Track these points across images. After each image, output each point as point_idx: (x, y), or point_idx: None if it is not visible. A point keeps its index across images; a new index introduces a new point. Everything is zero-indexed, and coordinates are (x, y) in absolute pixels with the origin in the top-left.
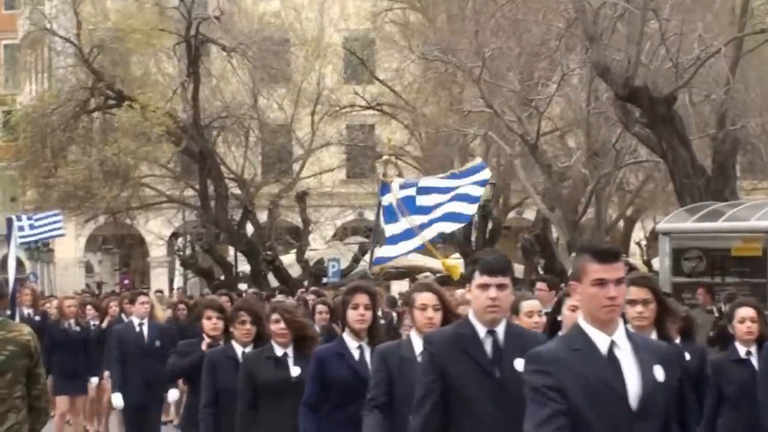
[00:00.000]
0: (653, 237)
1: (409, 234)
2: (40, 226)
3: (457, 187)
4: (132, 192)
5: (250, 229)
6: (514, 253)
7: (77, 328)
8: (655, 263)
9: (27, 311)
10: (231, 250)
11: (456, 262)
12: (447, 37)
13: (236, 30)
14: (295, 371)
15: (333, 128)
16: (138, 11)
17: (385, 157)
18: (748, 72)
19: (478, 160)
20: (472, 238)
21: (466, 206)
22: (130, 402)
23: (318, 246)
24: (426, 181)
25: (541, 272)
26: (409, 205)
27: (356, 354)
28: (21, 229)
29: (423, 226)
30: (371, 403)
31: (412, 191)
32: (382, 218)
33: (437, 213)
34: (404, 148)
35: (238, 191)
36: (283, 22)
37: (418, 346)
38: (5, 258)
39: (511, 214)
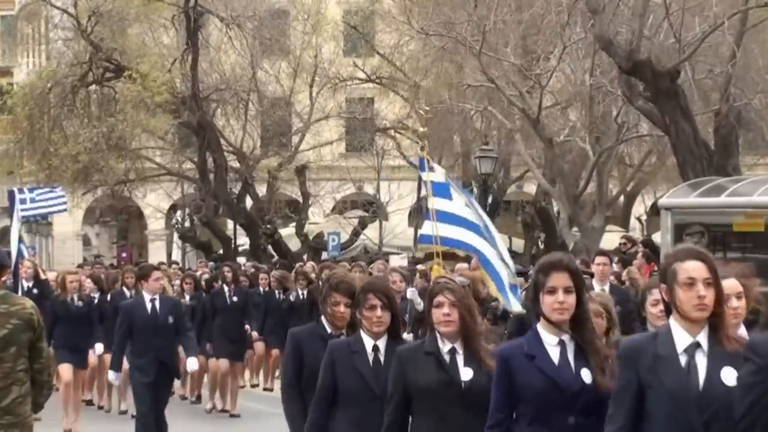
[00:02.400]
0: (654, 212)
1: (472, 226)
2: (42, 200)
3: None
4: (131, 164)
5: (249, 202)
6: (514, 227)
7: (80, 303)
8: (656, 238)
9: (27, 284)
10: (230, 224)
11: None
12: (447, 11)
13: (235, 2)
14: None
15: (332, 101)
16: None
17: (421, 130)
18: (751, 47)
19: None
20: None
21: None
22: (143, 379)
23: (317, 219)
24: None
25: (542, 246)
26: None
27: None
28: (23, 201)
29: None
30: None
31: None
32: (429, 191)
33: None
34: (404, 122)
35: (237, 164)
36: None
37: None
38: (5, 230)
39: (512, 188)
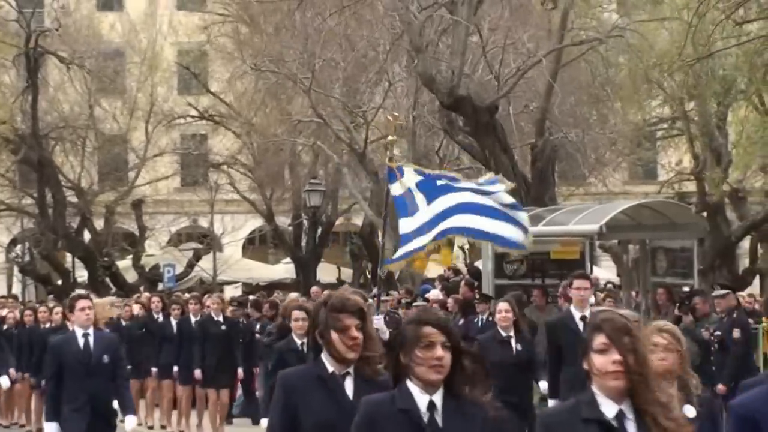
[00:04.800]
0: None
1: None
2: None
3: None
4: None
5: (87, 235)
6: (342, 257)
7: None
8: (479, 265)
9: None
10: (69, 257)
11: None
12: (277, 48)
13: (74, 42)
14: None
15: (167, 138)
16: None
17: (390, 138)
18: (566, 83)
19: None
20: (302, 243)
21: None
22: (72, 429)
23: (154, 252)
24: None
25: (369, 276)
26: (428, 188)
27: None
28: None
29: (437, 220)
30: None
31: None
32: (397, 211)
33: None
34: (236, 156)
35: (75, 199)
36: (118, 34)
37: None
38: None
39: (340, 220)
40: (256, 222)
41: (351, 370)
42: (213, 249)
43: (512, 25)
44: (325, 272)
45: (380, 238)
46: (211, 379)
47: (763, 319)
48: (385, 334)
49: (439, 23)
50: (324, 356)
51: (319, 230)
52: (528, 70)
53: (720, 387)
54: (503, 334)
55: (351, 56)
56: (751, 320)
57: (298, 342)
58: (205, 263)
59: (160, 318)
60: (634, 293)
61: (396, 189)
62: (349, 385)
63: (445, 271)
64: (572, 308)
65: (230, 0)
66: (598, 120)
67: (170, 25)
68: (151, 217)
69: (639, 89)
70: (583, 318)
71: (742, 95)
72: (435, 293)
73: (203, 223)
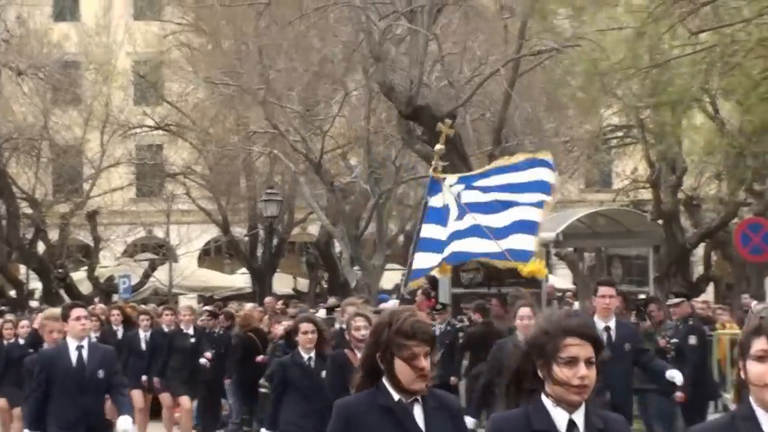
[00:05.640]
0: None
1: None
2: None
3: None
4: None
5: (41, 247)
6: (299, 267)
7: None
8: (435, 275)
9: None
10: (23, 269)
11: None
12: (232, 60)
13: (28, 52)
14: None
15: (122, 148)
16: None
17: (438, 147)
18: (523, 91)
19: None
20: (258, 253)
21: (533, 211)
22: None
23: (108, 263)
24: (486, 181)
25: (326, 286)
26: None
27: None
28: None
29: (485, 233)
30: None
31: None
32: (426, 219)
33: (504, 219)
34: (192, 167)
35: (29, 210)
36: (74, 44)
37: None
38: None
39: (296, 230)
40: (211, 232)
41: (419, 396)
42: (169, 259)
43: (469, 33)
44: (281, 282)
45: (337, 248)
46: (179, 388)
47: (718, 326)
48: None
49: (398, 32)
50: (385, 382)
51: (275, 240)
52: (485, 80)
53: (678, 395)
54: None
55: (307, 66)
56: (706, 327)
57: (305, 356)
58: (161, 274)
59: (120, 331)
60: (589, 301)
61: (436, 201)
62: (419, 414)
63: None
64: (595, 318)
65: (187, 10)
66: (555, 128)
67: (126, 34)
68: (106, 228)
69: (595, 97)
70: (606, 329)
71: (697, 103)
72: (392, 303)
73: (159, 233)
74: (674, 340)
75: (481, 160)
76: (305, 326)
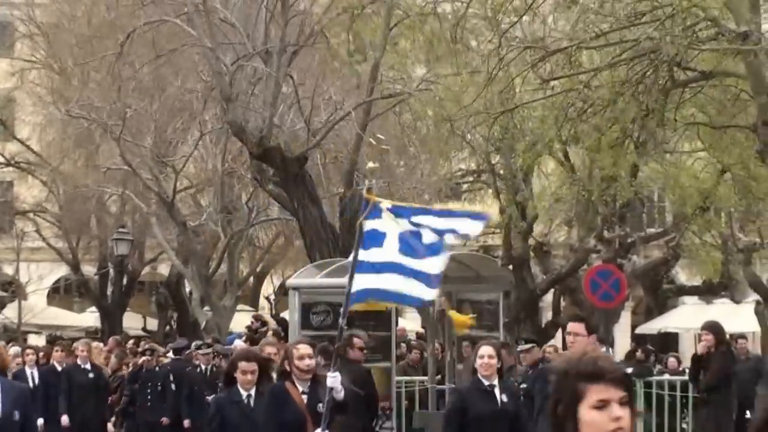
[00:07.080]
0: (283, 291)
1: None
2: None
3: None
4: None
5: None
6: (148, 307)
7: None
8: (285, 316)
9: None
10: None
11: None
12: (91, 95)
13: None
14: None
15: None
16: None
17: (370, 165)
18: (374, 133)
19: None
20: (108, 292)
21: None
22: None
23: None
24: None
25: (175, 326)
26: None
27: None
28: None
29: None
30: None
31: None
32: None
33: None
34: (42, 204)
35: None
36: None
37: None
38: None
39: (146, 269)
40: (62, 270)
41: None
42: (18, 297)
43: (322, 75)
44: (131, 321)
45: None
46: (82, 429)
47: None
48: (340, 393)
49: (254, 74)
50: None
51: (125, 279)
52: (337, 123)
53: None
54: (486, 383)
55: (161, 105)
56: None
57: (244, 394)
58: (10, 311)
59: None
60: (438, 345)
61: (374, 225)
62: None
63: (252, 322)
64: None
65: (37, 46)
66: (406, 171)
67: None
68: None
69: (446, 141)
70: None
71: (547, 149)
72: (239, 344)
73: (8, 270)
74: (524, 386)
75: (333, 203)
76: (244, 365)
